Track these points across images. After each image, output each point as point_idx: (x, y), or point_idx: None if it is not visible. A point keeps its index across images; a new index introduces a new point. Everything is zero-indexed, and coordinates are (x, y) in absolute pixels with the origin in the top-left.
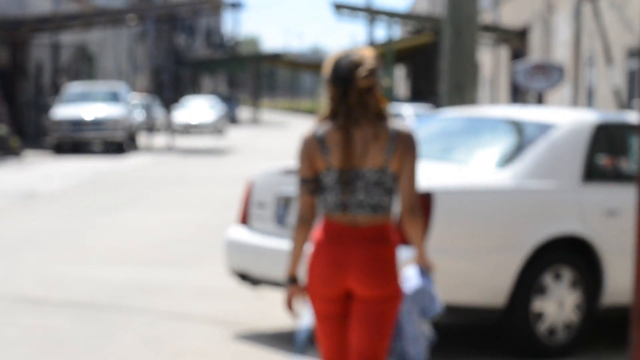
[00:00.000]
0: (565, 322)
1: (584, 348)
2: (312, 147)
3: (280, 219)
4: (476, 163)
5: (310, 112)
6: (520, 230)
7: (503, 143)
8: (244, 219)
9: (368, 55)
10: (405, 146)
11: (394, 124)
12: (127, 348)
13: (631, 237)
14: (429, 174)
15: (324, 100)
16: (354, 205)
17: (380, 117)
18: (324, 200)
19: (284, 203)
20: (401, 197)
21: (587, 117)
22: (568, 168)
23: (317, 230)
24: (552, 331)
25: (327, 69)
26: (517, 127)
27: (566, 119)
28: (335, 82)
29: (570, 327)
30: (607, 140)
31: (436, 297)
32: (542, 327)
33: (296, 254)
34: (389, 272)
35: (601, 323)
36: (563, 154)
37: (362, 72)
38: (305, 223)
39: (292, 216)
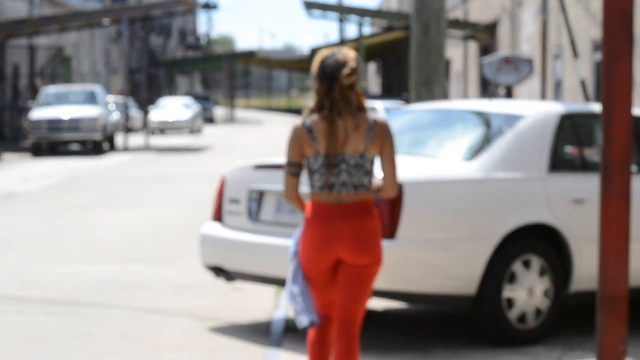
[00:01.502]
0: (535, 308)
1: (554, 333)
2: (302, 135)
3: (253, 214)
4: (445, 156)
5: (285, 110)
6: (489, 220)
7: (471, 135)
8: (218, 215)
9: (351, 56)
10: (382, 134)
11: (372, 115)
12: (105, 344)
13: (597, 225)
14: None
15: (312, 95)
16: (338, 185)
17: (361, 109)
18: (312, 182)
19: (257, 198)
20: (384, 177)
21: (553, 108)
22: (535, 158)
23: (307, 210)
24: (522, 318)
25: (314, 67)
26: (485, 118)
27: (532, 110)
28: (322, 79)
29: (540, 314)
30: (573, 131)
31: None
32: (513, 314)
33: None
34: (372, 241)
35: (570, 309)
36: (530, 145)
37: (345, 71)
38: (291, 199)
39: (265, 211)
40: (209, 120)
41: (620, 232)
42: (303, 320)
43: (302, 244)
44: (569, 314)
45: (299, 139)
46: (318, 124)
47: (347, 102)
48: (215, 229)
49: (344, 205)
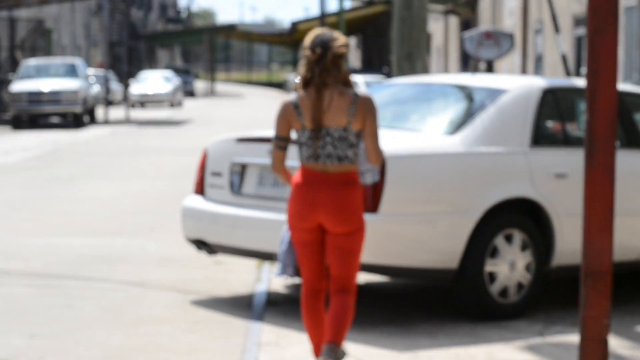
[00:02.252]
0: (517, 282)
1: (535, 308)
2: (289, 111)
3: (235, 187)
4: (427, 129)
5: (265, 83)
6: (471, 194)
7: (453, 109)
8: (200, 188)
9: (343, 37)
10: (365, 108)
11: (356, 91)
12: (87, 316)
13: (579, 199)
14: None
15: (300, 67)
16: (324, 156)
17: (346, 84)
18: (300, 153)
19: (239, 171)
20: (366, 150)
21: (535, 82)
22: (517, 132)
23: (295, 176)
24: (504, 292)
25: (307, 40)
26: (467, 92)
27: (515, 84)
28: (315, 47)
29: (522, 288)
30: (555, 105)
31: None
32: (495, 288)
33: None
34: (352, 210)
35: (551, 284)
36: (512, 119)
37: (339, 41)
38: (277, 171)
39: (248, 184)
40: (190, 93)
41: (605, 207)
42: (279, 271)
43: (289, 207)
44: (551, 289)
45: (287, 114)
46: (304, 99)
47: (337, 70)
48: (198, 202)
49: (329, 174)
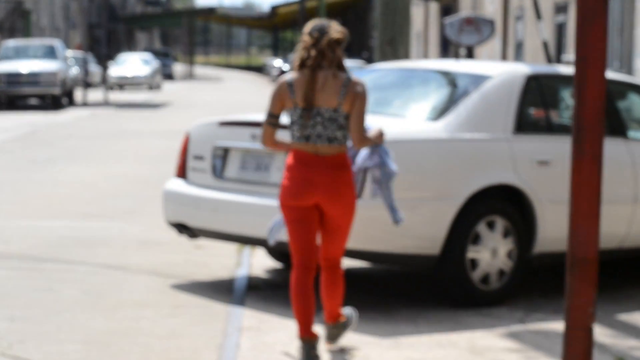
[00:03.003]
0: (499, 269)
1: (516, 295)
2: (283, 89)
3: (217, 171)
4: (410, 115)
5: (244, 67)
6: (454, 180)
7: (436, 95)
8: (182, 172)
9: (341, 27)
10: (355, 91)
11: (350, 75)
12: (67, 299)
13: (562, 187)
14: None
15: (297, 54)
16: (314, 136)
17: (340, 68)
18: (292, 132)
19: (222, 155)
20: (351, 132)
21: (519, 69)
22: (501, 119)
23: (289, 157)
24: (485, 279)
25: (306, 28)
26: (451, 78)
27: (499, 70)
28: (313, 32)
29: (504, 275)
30: (539, 92)
31: (391, 162)
32: (476, 275)
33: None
34: (347, 192)
35: (533, 272)
36: (496, 106)
37: (336, 28)
38: (268, 144)
39: (230, 168)
40: (168, 76)
41: (592, 195)
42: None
43: (283, 188)
44: (532, 277)
45: (281, 93)
46: (299, 79)
47: (333, 52)
48: (179, 186)
49: (321, 157)
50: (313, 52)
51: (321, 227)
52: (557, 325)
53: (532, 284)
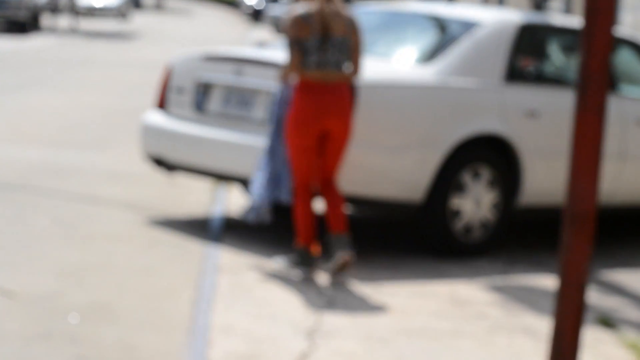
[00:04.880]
0: (482, 220)
1: (498, 248)
2: (298, 21)
3: (199, 105)
4: (399, 58)
5: (216, 1)
6: (440, 127)
7: (426, 39)
8: (162, 104)
9: None
10: (356, 24)
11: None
12: (38, 229)
13: (550, 138)
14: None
15: None
16: (327, 63)
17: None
18: (307, 61)
19: (204, 89)
20: (353, 61)
21: (512, 18)
22: (491, 67)
23: (297, 88)
24: (468, 229)
25: None
26: (441, 23)
27: (491, 18)
28: None
29: (486, 226)
30: (530, 42)
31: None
32: (459, 225)
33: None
34: (350, 114)
35: (514, 225)
36: (486, 53)
37: None
38: (294, 71)
39: (213, 102)
40: (136, 5)
41: (594, 149)
42: (249, 217)
43: (296, 116)
44: (514, 230)
45: (297, 24)
46: (314, 10)
47: None
48: (158, 119)
49: (331, 84)
50: None
51: (327, 150)
52: (540, 280)
53: (513, 238)
